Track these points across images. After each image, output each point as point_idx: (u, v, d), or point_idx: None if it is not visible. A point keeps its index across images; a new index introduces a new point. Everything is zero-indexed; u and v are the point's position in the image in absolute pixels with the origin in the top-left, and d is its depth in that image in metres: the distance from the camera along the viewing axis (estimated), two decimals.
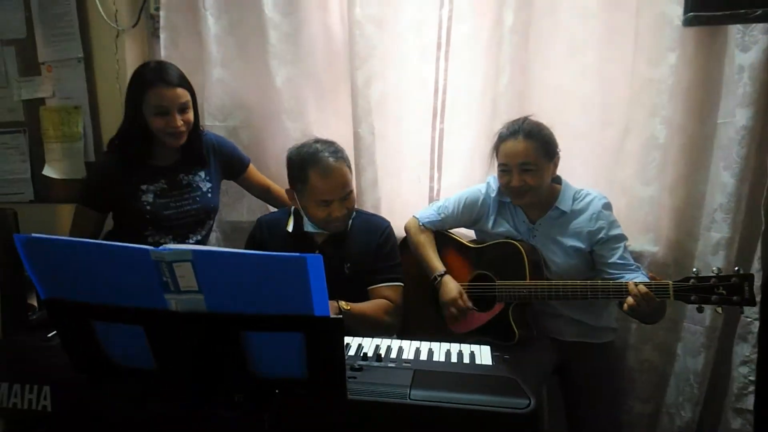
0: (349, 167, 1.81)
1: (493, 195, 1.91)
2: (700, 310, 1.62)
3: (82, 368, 1.21)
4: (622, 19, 1.99)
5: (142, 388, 1.20)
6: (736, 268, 1.57)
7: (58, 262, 1.09)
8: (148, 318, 1.09)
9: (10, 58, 2.45)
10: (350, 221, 1.87)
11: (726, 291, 1.53)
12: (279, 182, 2.16)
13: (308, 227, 1.85)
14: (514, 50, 2.03)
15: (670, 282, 1.59)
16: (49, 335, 1.46)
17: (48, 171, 2.48)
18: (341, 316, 1.57)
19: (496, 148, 1.83)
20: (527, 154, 1.74)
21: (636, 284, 1.59)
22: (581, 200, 1.83)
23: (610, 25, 2.00)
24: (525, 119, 1.80)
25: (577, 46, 2.03)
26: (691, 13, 1.83)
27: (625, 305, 1.60)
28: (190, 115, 1.87)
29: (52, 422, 1.29)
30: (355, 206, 1.92)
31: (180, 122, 1.83)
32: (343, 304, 1.69)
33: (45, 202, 2.52)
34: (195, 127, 1.93)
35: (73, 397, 1.27)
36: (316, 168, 1.74)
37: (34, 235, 1.07)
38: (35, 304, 1.96)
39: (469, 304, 1.81)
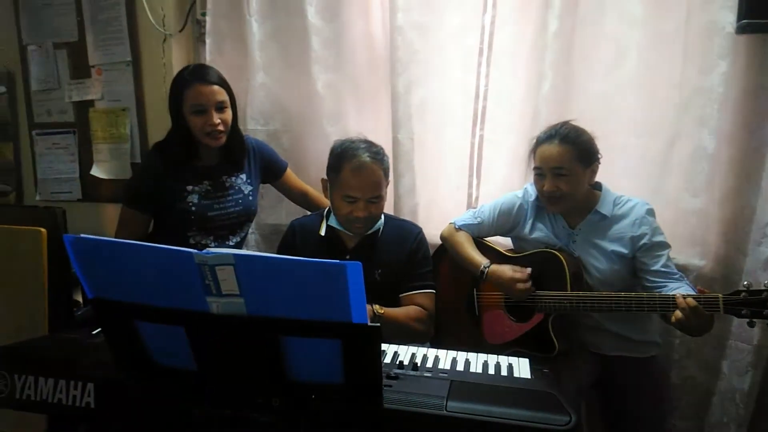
0: (386, 174, 1.79)
1: (530, 200, 1.88)
2: (751, 324, 1.55)
3: (125, 367, 1.23)
4: (670, 27, 1.94)
5: (182, 389, 1.22)
6: None
7: (104, 262, 1.12)
8: (190, 320, 1.11)
9: (62, 60, 2.54)
10: (381, 227, 1.86)
11: None
12: (318, 187, 2.16)
13: (332, 221, 1.85)
14: (557, 57, 2.00)
15: (720, 295, 1.53)
16: (94, 332, 1.49)
17: (95, 171, 2.56)
18: (377, 322, 1.58)
19: (533, 151, 1.80)
20: (561, 159, 1.71)
21: (684, 297, 1.54)
22: (622, 205, 1.79)
23: (658, 33, 1.96)
24: (564, 123, 1.77)
25: (622, 53, 1.99)
26: (745, 21, 1.79)
27: (673, 318, 1.55)
28: (228, 115, 1.90)
29: (94, 419, 1.31)
30: (387, 213, 1.91)
31: (217, 120, 1.85)
32: (377, 308, 1.69)
33: (92, 201, 2.60)
34: (234, 129, 1.95)
35: (116, 395, 1.29)
36: (350, 162, 1.74)
37: (82, 235, 1.10)
38: (80, 300, 2.01)
39: (528, 270, 1.76)
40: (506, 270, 1.78)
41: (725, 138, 1.90)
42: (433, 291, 1.87)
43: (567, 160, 1.71)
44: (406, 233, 1.89)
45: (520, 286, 1.74)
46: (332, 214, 1.85)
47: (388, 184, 1.84)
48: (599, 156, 1.77)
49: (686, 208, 1.97)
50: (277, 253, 1.96)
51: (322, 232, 1.87)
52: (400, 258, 1.84)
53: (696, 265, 1.97)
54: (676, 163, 1.99)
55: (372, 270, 1.82)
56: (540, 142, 1.78)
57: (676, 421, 2.06)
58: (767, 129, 1.86)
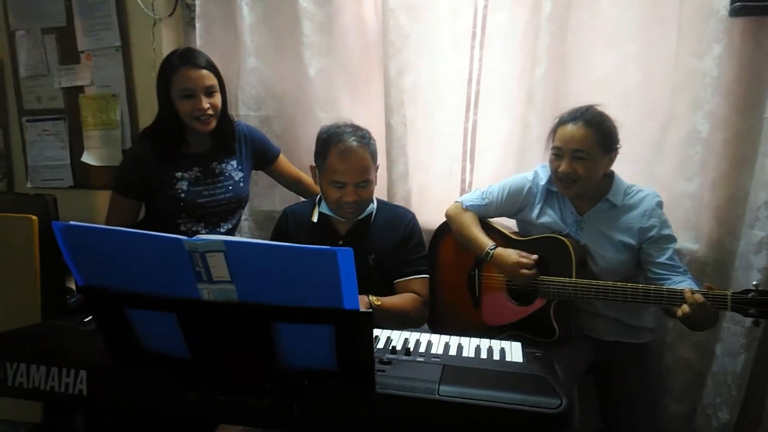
0: (373, 157, 1.78)
1: (541, 184, 1.86)
2: (756, 323, 1.55)
3: (117, 354, 1.23)
4: (664, 9, 1.92)
5: (175, 375, 1.22)
6: None
7: (94, 249, 1.11)
8: (181, 307, 1.11)
9: (50, 46, 2.50)
10: (374, 213, 1.86)
11: None
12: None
13: (324, 208, 1.84)
14: (551, 40, 1.98)
15: (729, 292, 1.52)
16: (86, 320, 1.49)
17: (86, 158, 2.53)
18: (371, 310, 1.58)
19: (554, 131, 1.76)
20: (583, 141, 1.68)
21: (693, 292, 1.53)
22: (633, 195, 1.78)
23: (652, 15, 1.94)
24: (590, 107, 1.73)
25: (617, 36, 1.98)
26: (739, 3, 1.78)
27: (680, 312, 1.54)
28: (218, 100, 1.88)
29: (88, 406, 1.32)
30: (380, 199, 1.90)
31: (206, 105, 1.84)
32: (374, 299, 1.69)
33: (83, 188, 2.58)
34: (224, 114, 1.94)
35: (108, 382, 1.29)
36: (336, 147, 1.73)
37: (72, 222, 1.09)
38: (73, 287, 2.01)
39: (534, 256, 1.75)
40: (512, 254, 1.77)
41: (719, 122, 1.89)
42: (427, 276, 1.87)
43: (588, 143, 1.68)
44: (399, 219, 1.88)
45: (525, 271, 1.73)
46: (323, 201, 1.85)
47: (377, 167, 1.83)
48: (619, 145, 1.75)
49: (680, 192, 1.96)
50: (271, 240, 1.96)
51: (315, 219, 1.87)
52: (394, 244, 1.84)
53: (689, 249, 1.97)
54: (670, 147, 1.99)
55: (365, 255, 1.81)
56: (563, 122, 1.74)
57: (669, 403, 2.08)
58: (760, 113, 1.85)
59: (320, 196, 1.87)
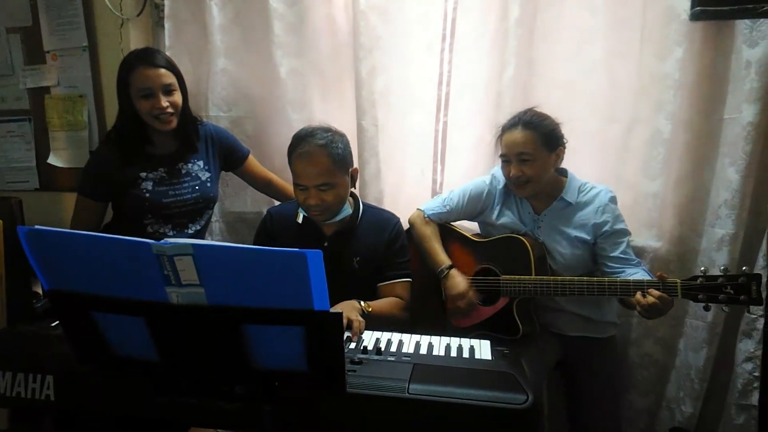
0: (336, 160, 1.72)
1: (499, 187, 1.91)
2: (706, 308, 1.63)
3: (85, 359, 1.22)
4: (628, 13, 1.97)
5: (144, 379, 1.21)
6: (744, 268, 1.57)
7: (60, 253, 1.10)
8: (150, 310, 1.10)
9: (15, 46, 2.46)
10: (360, 215, 1.87)
11: (733, 290, 1.53)
12: (283, 175, 2.15)
13: (300, 210, 1.86)
14: (519, 44, 2.01)
15: (678, 280, 1.59)
16: (53, 324, 1.47)
17: (53, 159, 2.49)
18: (366, 318, 1.61)
19: (500, 138, 1.83)
20: (525, 144, 1.74)
21: (645, 283, 1.60)
22: (587, 192, 1.83)
23: (617, 19, 1.98)
24: (527, 110, 1.80)
25: (583, 39, 2.02)
26: (699, 8, 1.83)
27: (634, 301, 1.60)
28: (177, 98, 1.87)
29: (55, 412, 1.30)
30: (367, 202, 1.93)
31: (165, 103, 1.83)
32: (365, 305, 1.70)
33: (50, 190, 2.53)
34: (186, 112, 1.93)
35: (76, 387, 1.28)
36: (296, 150, 1.74)
37: (36, 227, 1.08)
38: (40, 291, 1.97)
39: (476, 299, 1.82)
40: (460, 283, 1.83)
41: (681, 123, 1.94)
42: (410, 280, 1.89)
43: (531, 145, 1.74)
44: (385, 222, 1.90)
45: (460, 305, 1.81)
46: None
47: (354, 170, 1.84)
48: (564, 141, 1.80)
49: (644, 191, 2.01)
50: (255, 241, 1.96)
51: (299, 220, 1.87)
52: (378, 247, 1.85)
53: (653, 247, 2.02)
54: (634, 148, 2.03)
55: (350, 258, 1.83)
56: (504, 129, 1.81)
57: (634, 397, 2.13)
58: (720, 114, 1.91)
59: None
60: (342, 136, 1.81)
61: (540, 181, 1.79)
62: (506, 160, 1.80)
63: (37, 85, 2.47)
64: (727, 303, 1.55)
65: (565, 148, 1.81)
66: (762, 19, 1.76)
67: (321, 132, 1.77)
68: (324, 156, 1.72)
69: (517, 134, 1.76)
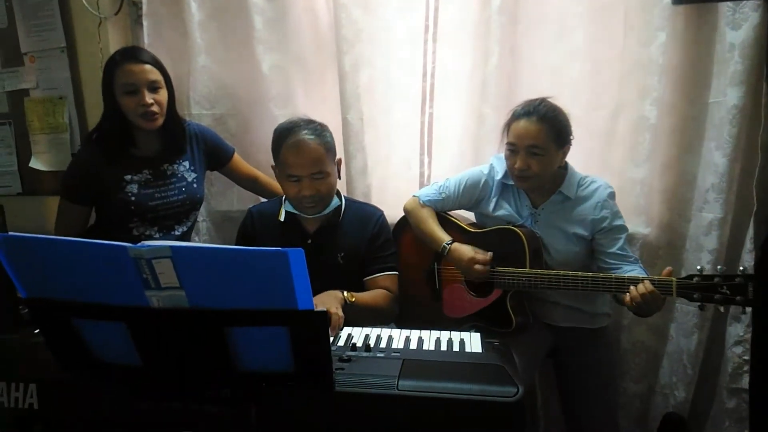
0: (327, 149, 1.75)
1: (497, 178, 1.87)
2: (701, 308, 1.60)
3: (67, 366, 1.20)
4: None
5: (128, 384, 1.19)
6: (741, 268, 1.57)
7: (36, 260, 1.08)
8: (130, 315, 1.08)
9: None
10: (342, 210, 1.85)
11: (729, 291, 1.51)
12: (267, 171, 2.12)
13: (289, 207, 1.84)
14: (502, 32, 1.99)
15: (674, 279, 1.56)
16: (36, 331, 1.44)
17: (35, 163, 2.45)
18: (349, 310, 1.60)
19: (508, 125, 1.76)
20: (537, 137, 1.68)
21: (640, 281, 1.57)
22: (586, 187, 1.80)
23: (600, 5, 1.97)
24: (543, 100, 1.73)
25: (566, 26, 2.01)
26: None
27: (627, 297, 1.58)
28: (163, 96, 1.84)
29: (39, 420, 1.28)
30: (349, 197, 1.91)
31: (150, 100, 1.79)
32: (348, 295, 1.68)
33: (33, 194, 2.49)
34: (172, 112, 1.90)
35: (59, 394, 1.26)
36: (287, 141, 1.72)
37: (11, 233, 1.05)
38: None
39: (489, 254, 1.77)
40: (467, 250, 1.78)
41: (666, 108, 1.94)
42: (397, 273, 1.88)
43: (543, 139, 1.68)
44: (368, 216, 1.88)
45: (478, 267, 1.75)
46: (286, 199, 1.83)
47: (339, 161, 1.84)
48: (572, 137, 1.76)
49: (630, 178, 2.00)
50: (237, 241, 1.94)
51: (282, 218, 1.85)
52: (362, 241, 1.84)
53: (641, 233, 2.01)
54: (620, 134, 2.03)
55: (334, 253, 1.82)
56: (516, 116, 1.73)
57: (627, 384, 2.13)
58: (705, 98, 1.90)
59: (285, 197, 1.86)
60: (326, 126, 1.80)
61: (544, 176, 1.74)
62: (513, 149, 1.73)
63: (16, 88, 2.43)
64: (723, 303, 1.52)
65: (571, 144, 1.77)
66: (744, 1, 1.75)
67: (306, 123, 1.76)
68: (316, 144, 1.72)
69: (531, 125, 1.69)
